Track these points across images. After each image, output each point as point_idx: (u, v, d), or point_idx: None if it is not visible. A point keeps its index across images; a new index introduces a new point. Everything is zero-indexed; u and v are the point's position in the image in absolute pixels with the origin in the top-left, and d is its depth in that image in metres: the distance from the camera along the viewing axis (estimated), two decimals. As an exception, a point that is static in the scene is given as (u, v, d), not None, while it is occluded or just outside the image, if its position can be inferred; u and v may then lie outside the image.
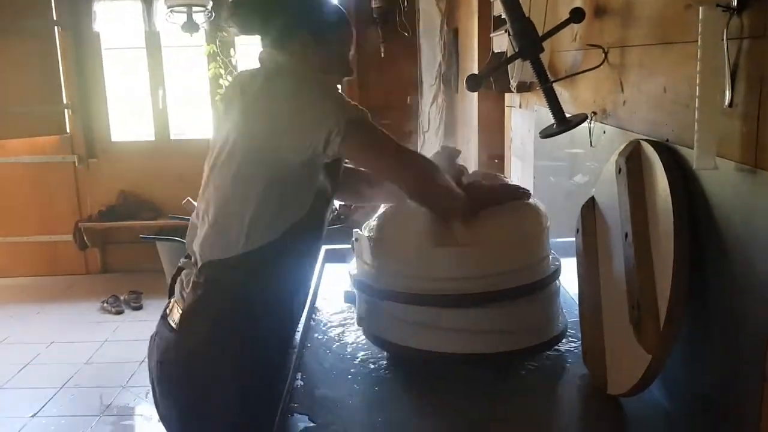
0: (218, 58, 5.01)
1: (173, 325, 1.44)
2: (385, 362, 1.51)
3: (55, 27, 5.09)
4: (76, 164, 5.35)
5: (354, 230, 1.58)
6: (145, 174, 5.35)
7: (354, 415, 1.32)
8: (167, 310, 1.50)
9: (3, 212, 5.34)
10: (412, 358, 1.47)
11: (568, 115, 1.66)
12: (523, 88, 2.17)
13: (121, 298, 4.69)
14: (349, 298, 1.69)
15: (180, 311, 1.43)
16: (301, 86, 1.40)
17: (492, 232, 1.44)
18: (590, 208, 1.48)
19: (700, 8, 1.00)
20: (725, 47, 1.00)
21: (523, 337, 1.46)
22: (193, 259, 1.49)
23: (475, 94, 3.30)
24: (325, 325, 1.72)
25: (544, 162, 2.26)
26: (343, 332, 1.68)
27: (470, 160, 3.98)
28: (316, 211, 1.46)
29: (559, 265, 1.52)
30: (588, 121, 1.65)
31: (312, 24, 1.48)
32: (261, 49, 1.51)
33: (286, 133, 1.36)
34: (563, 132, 1.59)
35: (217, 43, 4.98)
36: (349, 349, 1.59)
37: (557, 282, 1.53)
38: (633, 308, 1.18)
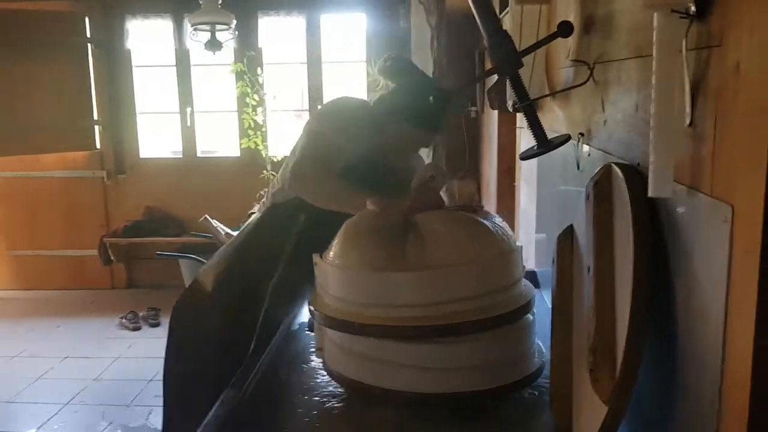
0: (245, 76, 5.02)
1: None
2: (341, 396, 1.41)
3: (88, 44, 5.18)
4: (105, 179, 5.41)
5: (313, 254, 1.49)
6: (171, 190, 5.38)
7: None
8: None
9: (33, 226, 5.44)
10: (363, 393, 1.37)
11: (553, 136, 1.54)
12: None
13: (140, 314, 4.69)
14: (311, 325, 1.60)
15: None
16: None
17: (447, 254, 1.33)
18: (567, 237, 1.36)
19: (655, 15, 0.88)
20: (683, 59, 0.88)
21: (488, 376, 1.33)
22: None
23: (495, 112, 3.18)
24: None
25: (544, 186, 2.13)
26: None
27: (491, 182, 3.86)
28: None
29: (532, 296, 1.39)
30: (576, 142, 1.52)
31: None
32: None
33: None
34: (542, 154, 1.46)
35: (245, 61, 5.00)
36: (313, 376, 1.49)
37: (529, 315, 1.40)
38: (590, 352, 1.05)
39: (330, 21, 5.20)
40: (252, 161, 5.14)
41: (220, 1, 4.31)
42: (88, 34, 5.19)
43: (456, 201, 5.07)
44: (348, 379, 1.40)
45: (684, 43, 0.88)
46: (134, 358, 4.07)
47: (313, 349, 1.59)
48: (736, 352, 0.76)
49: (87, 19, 5.17)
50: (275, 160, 5.11)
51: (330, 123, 1.85)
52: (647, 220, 1.01)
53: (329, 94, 5.50)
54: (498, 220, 1.47)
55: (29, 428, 3.22)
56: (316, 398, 1.40)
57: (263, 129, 5.12)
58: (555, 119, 1.82)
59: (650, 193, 0.91)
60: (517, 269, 1.40)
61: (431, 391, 1.33)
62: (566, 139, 1.44)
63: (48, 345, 4.29)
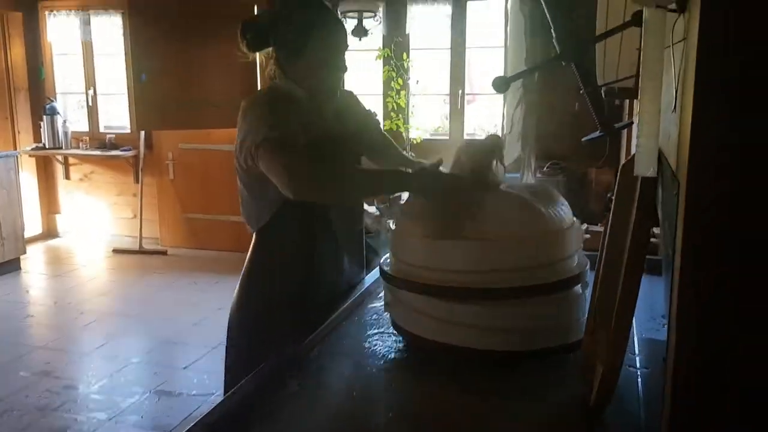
0: (392, 62, 5.29)
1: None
2: (404, 350, 1.60)
3: (256, 31, 5.70)
4: (265, 154, 5.95)
5: (388, 221, 1.68)
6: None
7: (343, 389, 1.44)
8: None
9: (204, 192, 6.13)
10: (422, 347, 1.54)
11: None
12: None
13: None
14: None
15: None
16: (252, 104, 1.68)
17: (499, 226, 1.46)
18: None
19: (644, 9, 0.97)
20: (671, 50, 0.96)
21: (528, 339, 1.46)
22: None
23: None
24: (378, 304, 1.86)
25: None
26: (380, 315, 1.79)
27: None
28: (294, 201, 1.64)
29: (575, 272, 1.48)
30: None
31: (300, 40, 1.70)
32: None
33: (236, 145, 1.69)
34: (604, 137, 1.54)
35: (392, 48, 5.26)
36: (375, 330, 1.70)
37: (576, 288, 1.50)
38: (592, 317, 1.16)
39: (476, 7, 5.30)
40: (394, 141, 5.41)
41: (368, -10, 4.60)
42: (256, 21, 5.71)
43: (593, 189, 5.02)
44: (407, 332, 1.58)
45: (671, 36, 0.96)
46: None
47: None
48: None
49: (255, 8, 5.70)
50: (415, 141, 5.35)
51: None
52: (650, 197, 1.09)
53: (472, 80, 5.63)
54: (557, 199, 1.56)
55: (181, 365, 3.75)
56: (383, 347, 1.60)
57: (406, 112, 5.37)
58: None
59: (635, 172, 1.00)
60: (564, 247, 1.49)
61: (477, 347, 1.47)
62: (628, 124, 1.52)
63: (207, 296, 4.89)
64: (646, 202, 1.08)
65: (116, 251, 6.12)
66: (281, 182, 1.57)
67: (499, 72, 5.26)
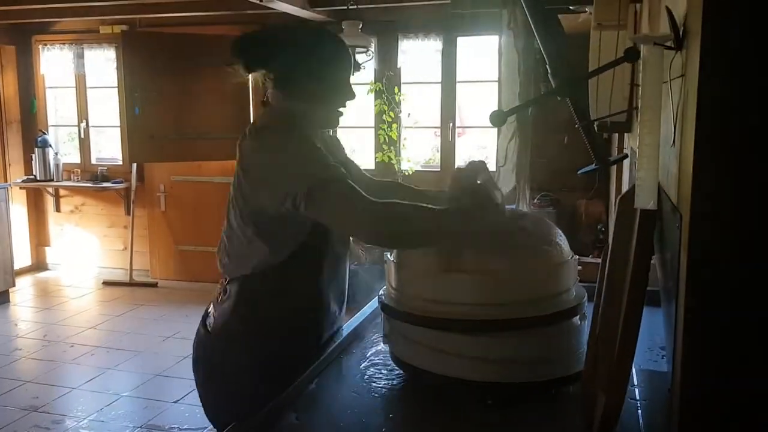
0: (383, 95, 5.35)
1: (209, 327, 1.70)
2: (403, 382, 1.59)
3: (249, 65, 5.77)
4: (257, 186, 5.97)
5: (385, 253, 1.69)
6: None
7: (342, 421, 1.43)
8: (206, 311, 1.73)
9: (196, 224, 6.12)
10: (422, 380, 1.54)
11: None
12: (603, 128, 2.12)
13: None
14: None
15: (214, 316, 1.66)
16: (279, 144, 1.49)
17: (500, 261, 1.47)
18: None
19: (642, 47, 1.00)
20: (669, 85, 0.99)
21: (527, 370, 1.46)
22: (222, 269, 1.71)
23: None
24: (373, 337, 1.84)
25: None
26: (379, 347, 1.78)
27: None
28: (310, 244, 1.57)
29: (574, 303, 1.49)
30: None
31: (312, 61, 1.56)
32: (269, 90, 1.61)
33: (262, 190, 1.50)
34: (597, 170, 1.57)
35: (384, 81, 5.33)
36: (373, 362, 1.69)
37: (575, 320, 1.50)
38: (592, 349, 1.16)
39: (466, 42, 5.40)
40: (385, 174, 5.44)
41: (360, 26, 4.66)
42: (249, 56, 5.78)
43: (583, 221, 5.06)
44: (407, 364, 1.58)
45: (669, 72, 0.99)
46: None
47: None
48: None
49: (249, 42, 5.77)
50: (407, 173, 5.39)
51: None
52: (650, 230, 1.11)
53: (462, 113, 5.70)
54: (555, 231, 1.58)
55: (172, 399, 3.70)
56: (383, 380, 1.60)
57: (397, 144, 5.42)
58: (632, 137, 1.90)
59: (636, 205, 1.02)
60: (564, 280, 1.50)
61: (477, 379, 1.47)
62: (623, 157, 1.54)
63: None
64: (646, 235, 1.10)
65: (106, 283, 6.08)
66: (357, 226, 1.44)
67: (490, 105, 5.34)
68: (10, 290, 5.58)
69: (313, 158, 1.47)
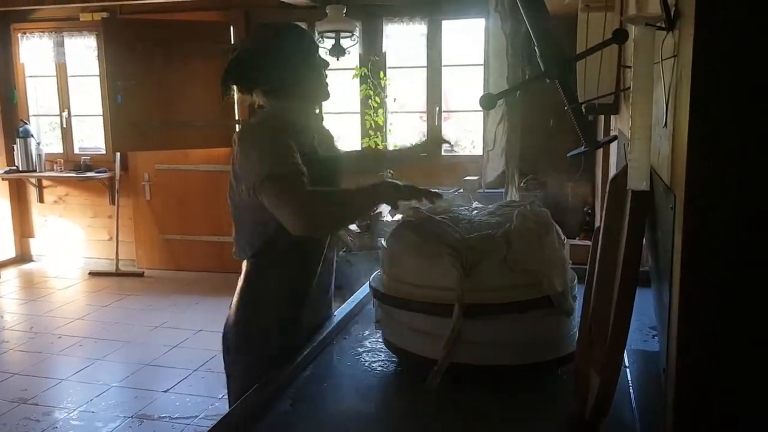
0: (369, 80, 5.32)
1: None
2: (395, 367, 1.60)
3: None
4: (243, 174, 5.93)
5: (378, 239, 1.69)
6: (299, 185, 5.80)
7: (336, 406, 1.43)
8: None
9: (182, 213, 6.08)
10: (415, 364, 1.54)
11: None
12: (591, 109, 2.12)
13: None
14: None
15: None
16: (251, 137, 1.67)
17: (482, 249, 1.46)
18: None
19: (634, 27, 1.00)
20: (661, 66, 0.99)
21: (514, 353, 1.46)
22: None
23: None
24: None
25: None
26: (372, 333, 1.79)
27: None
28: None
29: (556, 291, 1.49)
30: (626, 143, 1.61)
31: (296, 66, 1.72)
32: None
33: (237, 181, 1.66)
34: (587, 152, 1.57)
35: (369, 66, 5.30)
36: (366, 348, 1.69)
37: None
38: (585, 330, 1.17)
39: (451, 26, 5.37)
40: (372, 160, 5.45)
41: (344, 10, 4.63)
42: (232, 41, 5.72)
43: (570, 203, 5.08)
44: (399, 349, 1.58)
45: (660, 53, 0.99)
46: (256, 335, 4.49)
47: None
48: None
49: (231, 28, 5.71)
50: (394, 159, 5.38)
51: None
52: (643, 211, 1.11)
53: (448, 97, 5.69)
54: (553, 224, 1.57)
55: (162, 388, 3.69)
56: (376, 365, 1.60)
57: (383, 129, 5.40)
58: (620, 119, 1.91)
59: (628, 186, 1.02)
60: (561, 266, 1.50)
61: (471, 362, 1.48)
62: (612, 139, 1.54)
63: (186, 318, 4.83)
64: (639, 216, 1.10)
65: (92, 274, 6.03)
66: (289, 220, 1.55)
67: (476, 89, 5.33)
68: (-5, 282, 5.52)
69: (276, 154, 1.59)
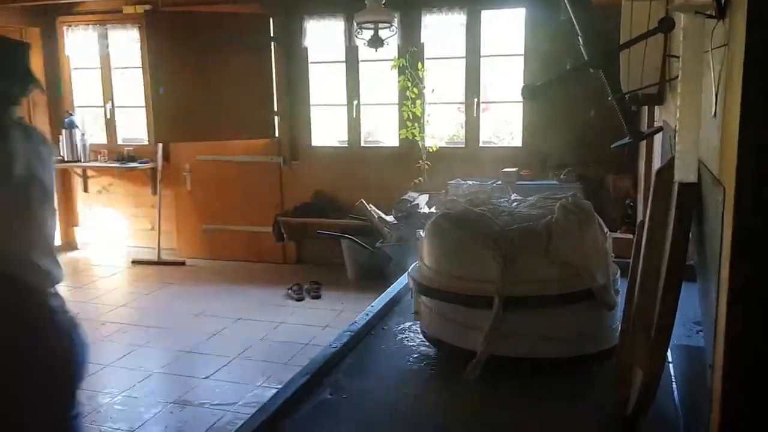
0: (407, 71, 5.31)
1: None
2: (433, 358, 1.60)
3: (272, 43, 5.76)
4: (281, 165, 5.99)
5: (417, 230, 1.69)
6: (336, 176, 5.84)
7: (375, 397, 1.44)
8: None
9: (220, 203, 6.16)
10: (455, 355, 1.54)
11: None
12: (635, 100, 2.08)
13: (304, 286, 5.18)
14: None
15: None
16: None
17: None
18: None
19: (682, 16, 0.97)
20: (710, 55, 0.97)
21: (554, 346, 1.45)
22: None
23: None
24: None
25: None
26: (408, 326, 1.79)
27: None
28: None
29: (598, 283, 1.47)
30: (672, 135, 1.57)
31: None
32: None
33: None
34: (632, 143, 1.54)
35: (407, 57, 5.29)
36: (404, 339, 1.70)
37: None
38: (629, 324, 1.15)
39: (490, 16, 5.32)
40: (409, 151, 5.44)
41: (383, 1, 4.61)
42: (272, 33, 5.77)
43: (611, 196, 5.00)
44: (438, 340, 1.58)
45: (710, 42, 0.96)
46: (295, 324, 4.54)
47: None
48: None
49: (271, 20, 5.75)
50: (431, 150, 5.37)
51: None
52: (690, 203, 1.09)
53: (486, 88, 5.64)
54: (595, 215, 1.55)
55: (202, 375, 3.76)
56: (413, 356, 1.61)
57: (421, 121, 5.39)
58: (665, 110, 1.87)
59: (675, 177, 1.00)
60: (604, 259, 1.48)
61: (504, 354, 1.47)
62: (657, 130, 1.51)
63: (226, 307, 4.91)
64: (686, 208, 1.08)
65: (135, 262, 6.16)
66: None
67: (515, 79, 5.28)
68: (42, 270, 5.67)
69: None
